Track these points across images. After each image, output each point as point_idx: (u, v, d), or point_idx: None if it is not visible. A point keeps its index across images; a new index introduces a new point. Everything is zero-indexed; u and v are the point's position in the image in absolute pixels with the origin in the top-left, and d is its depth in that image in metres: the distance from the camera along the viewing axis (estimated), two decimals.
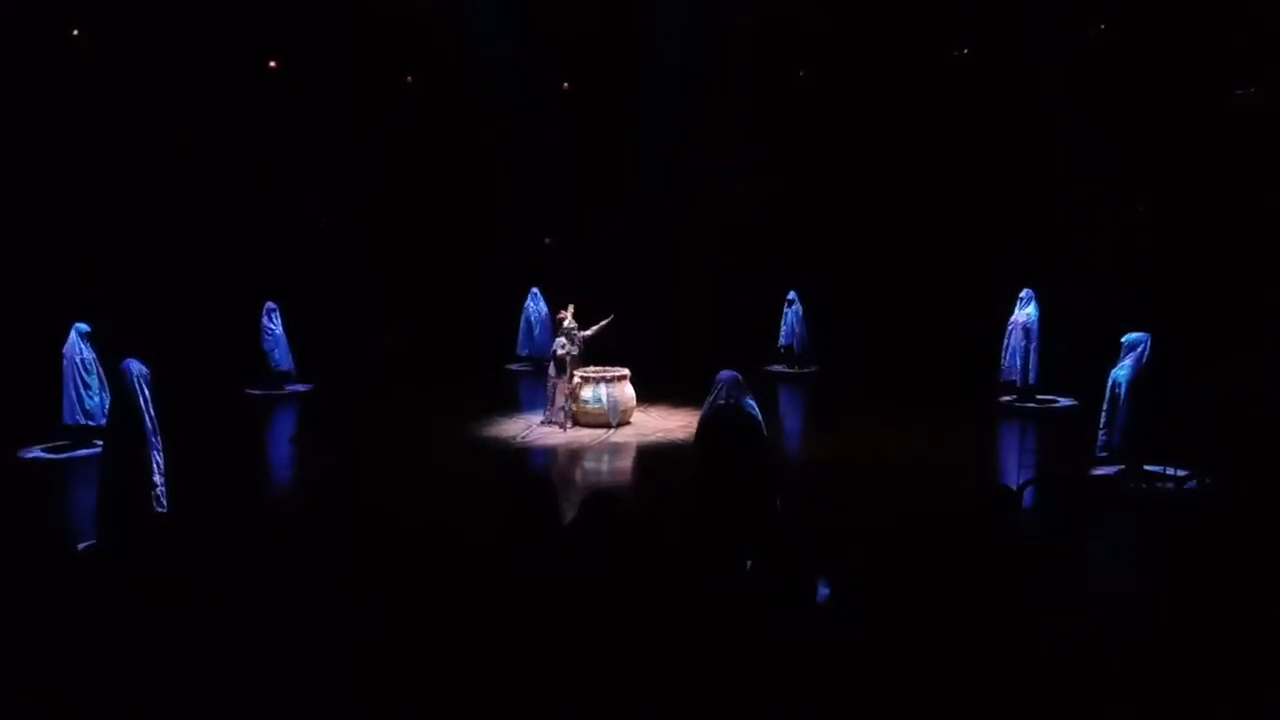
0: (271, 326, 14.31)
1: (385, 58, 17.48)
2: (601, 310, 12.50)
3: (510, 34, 17.21)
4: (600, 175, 17.76)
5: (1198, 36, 13.45)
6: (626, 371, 12.35)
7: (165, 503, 7.49)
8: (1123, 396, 9.30)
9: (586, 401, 12.07)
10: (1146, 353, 9.36)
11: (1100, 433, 9.48)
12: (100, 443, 8.57)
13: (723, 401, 7.00)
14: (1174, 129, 13.59)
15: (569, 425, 11.99)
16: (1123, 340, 9.53)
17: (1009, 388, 12.99)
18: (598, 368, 12.36)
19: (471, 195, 18.17)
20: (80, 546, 7.58)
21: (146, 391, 7.50)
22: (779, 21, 16.86)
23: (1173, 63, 13.62)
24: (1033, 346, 12.74)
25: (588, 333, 12.26)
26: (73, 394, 10.69)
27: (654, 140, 17.41)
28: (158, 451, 7.53)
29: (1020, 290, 12.95)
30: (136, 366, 7.52)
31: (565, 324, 12.31)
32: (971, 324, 13.94)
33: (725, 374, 7.08)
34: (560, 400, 12.11)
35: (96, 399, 10.62)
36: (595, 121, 17.80)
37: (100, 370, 10.64)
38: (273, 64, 16.89)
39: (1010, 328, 12.92)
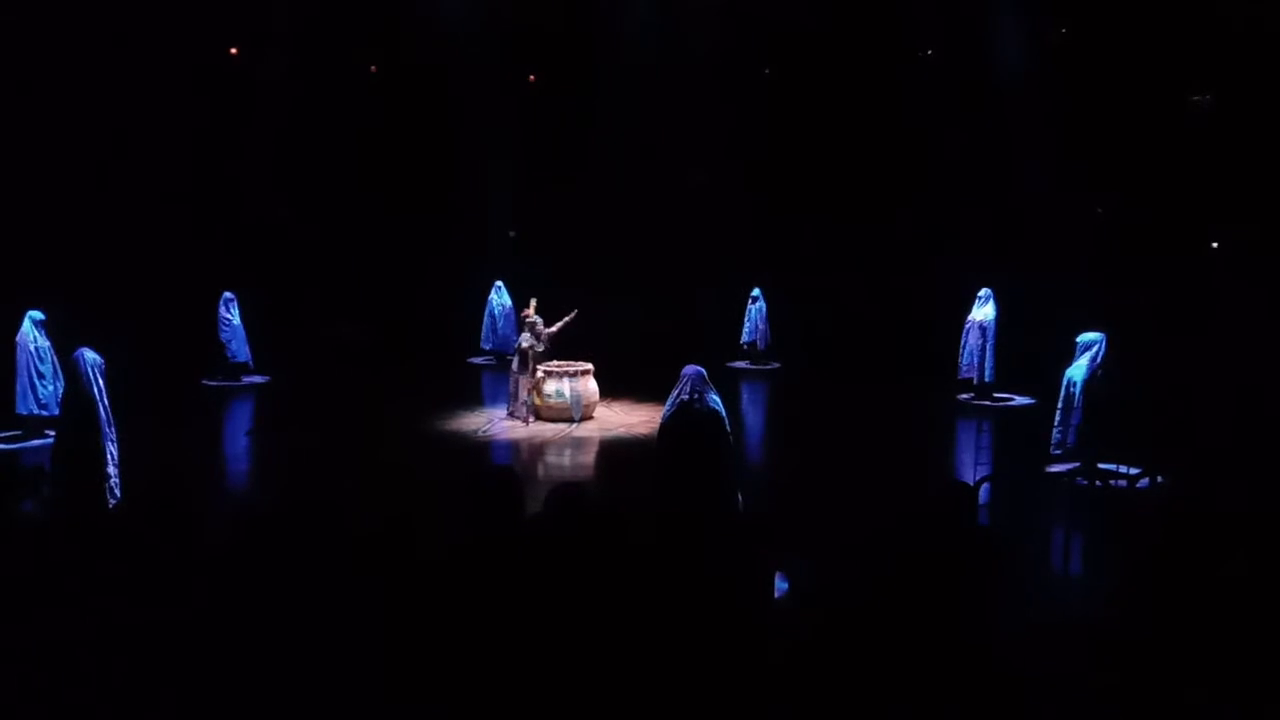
0: (228, 317, 14.13)
1: (350, 47, 17.30)
2: (565, 305, 12.47)
3: (477, 25, 17.10)
4: (565, 168, 17.74)
5: (1157, 40, 13.69)
6: (590, 366, 12.33)
7: (118, 493, 7.39)
8: (1077, 396, 9.44)
9: (549, 396, 12.05)
10: (1101, 352, 9.51)
11: (1055, 431, 9.62)
12: (53, 433, 8.42)
13: (687, 397, 7.01)
14: (1133, 131, 13.84)
15: (531, 420, 11.96)
16: (1077, 340, 9.68)
17: (966, 385, 13.17)
18: (560, 362, 12.34)
19: (435, 187, 18.05)
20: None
21: (100, 381, 7.40)
22: (746, 18, 16.93)
23: (1132, 67, 13.86)
24: (989, 345, 12.91)
25: (552, 329, 12.23)
26: (26, 383, 10.48)
27: (620, 134, 17.40)
28: (111, 442, 7.44)
29: (979, 289, 13.13)
30: (90, 355, 7.41)
31: (528, 319, 12.28)
32: (930, 321, 14.12)
33: (690, 369, 7.10)
34: (523, 395, 12.07)
35: (50, 389, 10.43)
36: (561, 114, 17.76)
37: (55, 359, 10.46)
38: (233, 50, 16.65)
39: (967, 326, 13.09)
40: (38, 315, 10.65)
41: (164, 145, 15.35)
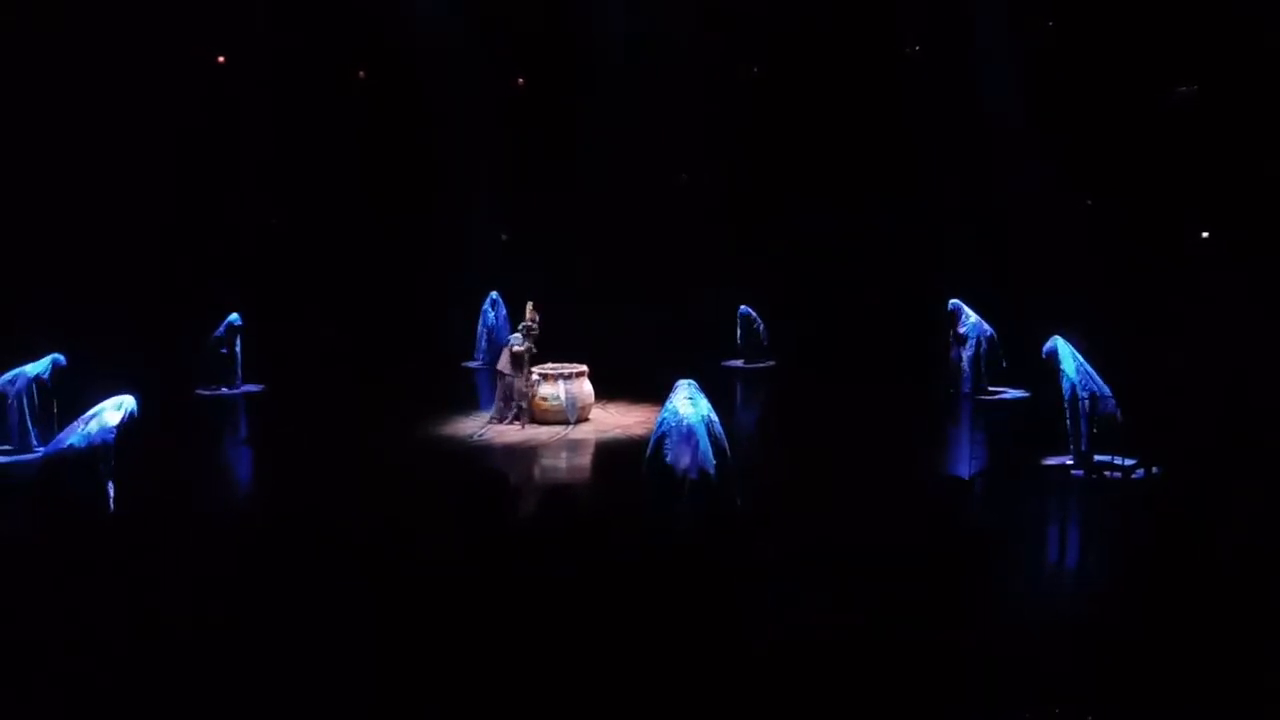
0: (229, 343, 14.04)
1: (339, 54, 17.30)
2: (557, 307, 12.44)
3: (466, 32, 17.12)
4: (557, 172, 17.75)
5: (1141, 34, 13.72)
6: (584, 368, 12.31)
7: (113, 505, 7.50)
8: (1083, 399, 9.40)
9: (544, 399, 12.02)
10: (1074, 352, 9.52)
11: (1071, 442, 9.48)
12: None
13: (679, 404, 7.15)
14: (1116, 126, 13.87)
15: (525, 422, 11.90)
16: (1043, 353, 9.67)
17: (958, 377, 13.10)
18: (555, 364, 12.32)
19: (426, 191, 18.05)
20: None
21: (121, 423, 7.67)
22: (729, 18, 16.99)
23: (1116, 61, 13.88)
24: (983, 352, 12.85)
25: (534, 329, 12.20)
26: (15, 419, 10.19)
27: (610, 137, 17.41)
28: (110, 469, 7.63)
29: (946, 303, 13.02)
30: (133, 405, 7.82)
31: (527, 322, 12.22)
32: (920, 319, 14.15)
33: (684, 380, 7.28)
34: (516, 397, 12.02)
35: (40, 431, 10.15)
36: (551, 118, 17.77)
37: (54, 407, 10.13)
38: (221, 59, 16.65)
39: (952, 342, 12.99)
40: (61, 360, 10.31)
41: (148, 151, 15.31)
